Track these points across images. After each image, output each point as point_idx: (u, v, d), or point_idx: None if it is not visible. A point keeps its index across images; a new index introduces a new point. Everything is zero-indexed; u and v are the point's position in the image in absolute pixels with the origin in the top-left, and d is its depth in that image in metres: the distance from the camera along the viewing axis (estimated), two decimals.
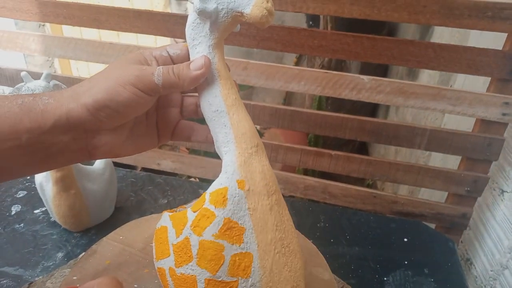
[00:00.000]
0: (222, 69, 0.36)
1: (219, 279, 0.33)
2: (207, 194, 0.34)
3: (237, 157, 0.34)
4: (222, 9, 0.33)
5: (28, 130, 0.30)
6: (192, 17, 0.35)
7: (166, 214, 0.37)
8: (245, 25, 0.67)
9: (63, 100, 0.32)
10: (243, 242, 0.33)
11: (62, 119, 0.31)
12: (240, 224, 0.33)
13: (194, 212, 0.34)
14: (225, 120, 0.35)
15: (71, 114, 0.31)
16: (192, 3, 0.33)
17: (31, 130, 0.31)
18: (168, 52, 0.36)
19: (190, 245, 0.33)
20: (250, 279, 0.33)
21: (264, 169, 0.35)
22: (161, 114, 0.39)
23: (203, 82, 0.35)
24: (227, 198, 0.33)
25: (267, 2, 0.32)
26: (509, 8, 0.58)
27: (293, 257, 0.36)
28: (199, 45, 0.35)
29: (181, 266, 0.34)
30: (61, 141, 0.32)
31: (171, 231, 0.35)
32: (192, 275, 0.33)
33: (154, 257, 0.36)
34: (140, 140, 0.37)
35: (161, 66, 0.33)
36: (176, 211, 0.38)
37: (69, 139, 0.32)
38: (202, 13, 0.33)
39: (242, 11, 0.32)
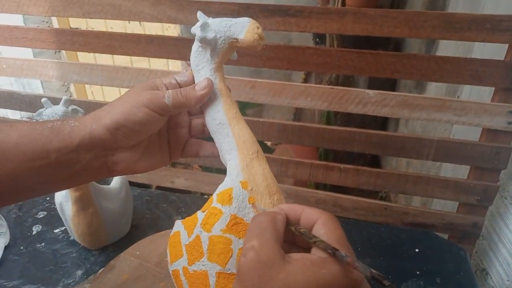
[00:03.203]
0: (223, 89, 0.41)
1: (229, 272, 0.35)
2: (215, 195, 0.38)
3: (240, 162, 0.38)
4: (220, 37, 0.38)
5: (57, 149, 0.35)
6: (195, 46, 0.40)
7: (178, 221, 0.40)
8: None
9: (86, 122, 0.36)
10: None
11: (85, 139, 0.35)
12: (246, 220, 0.37)
13: (203, 212, 0.37)
14: (228, 131, 0.40)
15: (93, 134, 0.36)
16: (195, 33, 0.38)
17: (59, 150, 0.35)
18: (176, 79, 0.41)
19: (201, 242, 0.36)
20: None
21: (264, 171, 0.39)
22: (171, 134, 0.43)
23: (207, 100, 0.40)
24: (232, 197, 0.37)
25: (258, 28, 0.37)
26: (508, 20, 0.60)
27: None
28: (202, 70, 0.40)
29: (193, 264, 0.36)
30: (84, 158, 0.36)
31: (183, 233, 0.38)
32: (204, 271, 0.36)
33: (169, 262, 0.39)
34: (153, 157, 0.41)
35: (170, 90, 0.39)
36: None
37: (91, 157, 0.37)
38: (203, 41, 0.38)
39: (237, 37, 0.38)
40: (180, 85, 0.41)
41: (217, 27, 0.38)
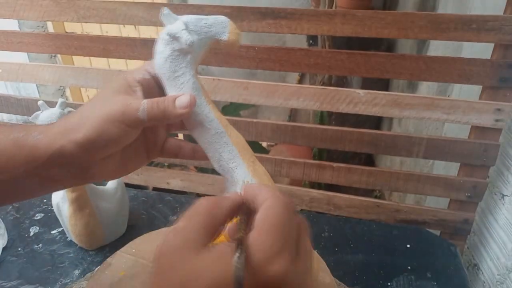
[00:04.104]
0: (207, 95, 0.38)
1: None
2: None
3: (247, 168, 0.38)
4: (201, 39, 0.35)
5: (23, 164, 0.32)
6: (167, 50, 0.35)
7: None
8: (244, 48, 0.71)
9: (53, 136, 0.33)
10: None
11: (55, 155, 0.33)
12: None
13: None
14: (226, 140, 0.37)
15: (64, 151, 0.33)
16: (178, 36, 0.34)
17: (26, 164, 0.32)
18: (149, 72, 0.37)
19: None
20: None
21: (264, 170, 0.39)
22: (148, 134, 0.40)
23: (194, 113, 0.36)
24: None
25: (236, 28, 0.36)
26: (493, 20, 0.61)
27: None
28: (182, 76, 0.36)
29: None
30: (56, 173, 0.34)
31: None
32: None
33: None
34: (131, 161, 0.39)
35: (145, 101, 0.34)
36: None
37: (64, 171, 0.34)
38: (192, 45, 0.35)
39: (220, 38, 0.36)
40: (154, 78, 0.37)
41: (198, 28, 0.35)
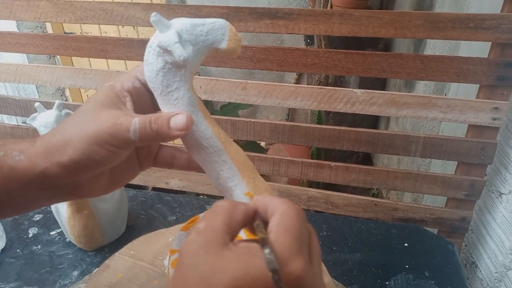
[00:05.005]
0: (204, 109, 0.34)
1: None
2: (241, 233, 0.33)
3: (247, 186, 0.35)
4: (198, 49, 0.31)
5: (3, 185, 0.30)
6: (160, 63, 0.31)
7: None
8: (242, 48, 0.71)
9: (35, 158, 0.30)
10: None
11: (38, 179, 0.30)
12: None
13: None
14: (225, 157, 0.34)
15: (47, 173, 0.30)
16: (170, 50, 0.30)
17: (7, 185, 0.30)
18: (140, 80, 0.34)
19: None
20: None
21: (265, 185, 0.37)
22: (141, 146, 0.37)
23: (190, 130, 0.33)
24: None
25: (236, 34, 0.32)
26: (490, 19, 0.61)
27: None
28: (176, 91, 0.32)
29: None
30: (42, 193, 0.32)
31: None
32: None
33: None
34: (123, 175, 0.37)
35: (137, 119, 0.31)
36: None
37: (49, 193, 0.32)
38: (186, 61, 0.31)
39: (218, 46, 0.32)
40: (145, 86, 0.34)
41: (193, 37, 0.31)
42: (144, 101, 0.35)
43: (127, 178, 0.37)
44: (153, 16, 0.30)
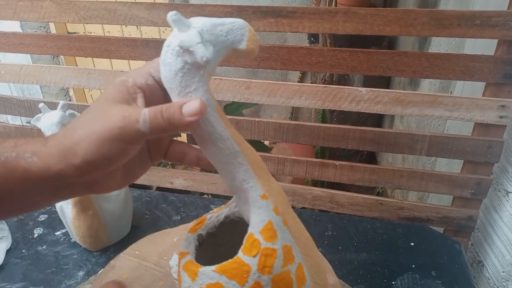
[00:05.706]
0: (220, 110, 0.33)
1: None
2: (258, 235, 0.34)
3: (262, 188, 0.35)
4: (218, 49, 0.31)
5: (14, 188, 0.30)
6: (179, 63, 0.30)
7: (210, 272, 0.35)
8: None
9: (48, 159, 0.30)
10: (294, 257, 0.36)
11: (53, 180, 0.30)
12: (288, 243, 0.35)
13: (254, 256, 0.34)
14: (241, 159, 0.34)
15: (62, 174, 0.30)
16: (192, 50, 0.30)
17: (20, 186, 0.30)
18: (153, 77, 0.33)
19: (262, 286, 0.34)
20: (306, 283, 0.36)
21: (277, 186, 0.37)
22: (151, 139, 0.36)
23: (204, 129, 0.33)
24: (275, 230, 0.35)
25: (255, 35, 0.32)
26: (496, 16, 0.61)
27: (313, 245, 0.40)
28: (194, 92, 0.31)
29: None
30: (58, 193, 0.32)
31: (230, 284, 0.34)
32: None
33: None
34: (136, 169, 0.37)
35: (146, 110, 0.30)
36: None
37: (66, 191, 0.32)
38: (208, 62, 0.30)
39: (237, 47, 0.31)
40: (159, 83, 0.33)
41: (213, 37, 0.30)
42: (157, 99, 0.33)
43: (140, 172, 0.37)
44: (173, 15, 0.29)
